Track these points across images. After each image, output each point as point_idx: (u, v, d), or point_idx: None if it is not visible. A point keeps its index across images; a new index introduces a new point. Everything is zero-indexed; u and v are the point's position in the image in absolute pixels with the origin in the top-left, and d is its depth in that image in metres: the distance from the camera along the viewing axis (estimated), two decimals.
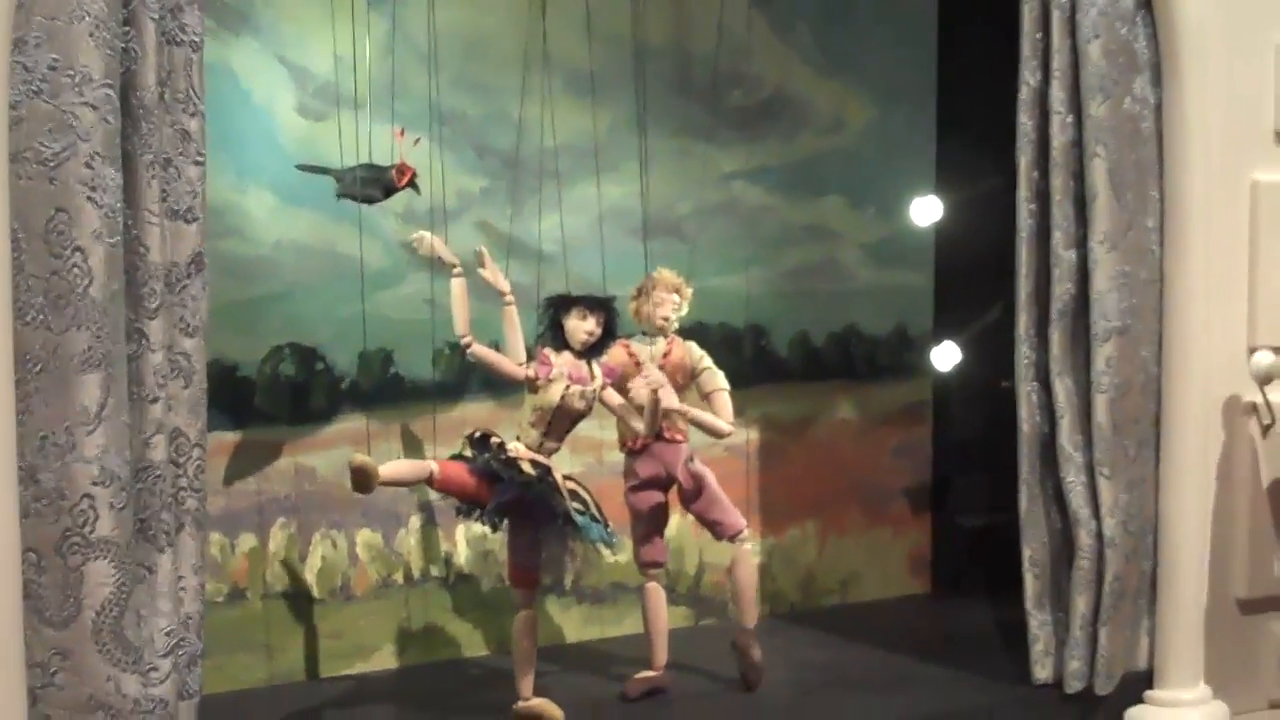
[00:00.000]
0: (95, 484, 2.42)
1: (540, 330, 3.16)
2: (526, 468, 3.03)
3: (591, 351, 3.15)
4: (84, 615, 2.44)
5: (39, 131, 2.36)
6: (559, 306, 3.14)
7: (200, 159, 2.55)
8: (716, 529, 3.29)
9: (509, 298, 3.07)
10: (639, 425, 3.22)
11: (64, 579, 2.43)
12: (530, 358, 3.09)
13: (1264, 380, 3.25)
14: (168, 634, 2.56)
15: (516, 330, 3.09)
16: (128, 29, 2.44)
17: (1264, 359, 3.22)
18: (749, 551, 3.31)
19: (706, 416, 3.24)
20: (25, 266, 2.37)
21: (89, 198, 2.38)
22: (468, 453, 3.10)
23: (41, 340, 2.39)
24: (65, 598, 2.43)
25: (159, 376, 2.53)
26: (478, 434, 3.12)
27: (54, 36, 2.35)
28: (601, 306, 3.14)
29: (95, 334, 2.40)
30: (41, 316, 2.38)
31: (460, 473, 3.04)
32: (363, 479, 2.88)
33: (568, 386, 3.07)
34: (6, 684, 2.39)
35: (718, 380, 3.29)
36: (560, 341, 3.12)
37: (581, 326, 3.11)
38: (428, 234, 3.12)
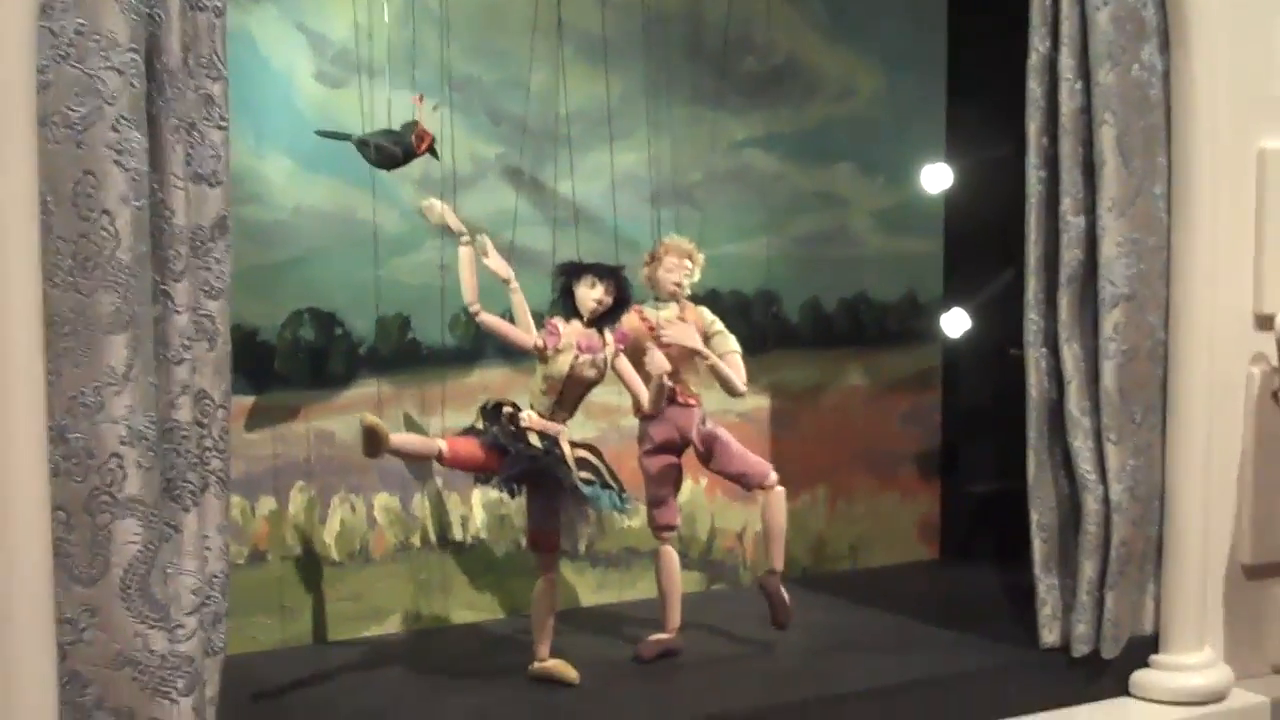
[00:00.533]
0: (123, 443, 2.46)
1: (553, 298, 3.21)
2: (534, 440, 3.07)
3: (604, 319, 3.18)
4: (112, 573, 2.48)
5: (66, 95, 2.39)
6: (569, 274, 3.18)
7: (224, 123, 2.58)
8: (743, 481, 3.33)
9: (514, 284, 3.12)
10: (644, 398, 3.26)
11: (92, 537, 2.47)
12: (540, 327, 3.14)
13: None
14: (194, 592, 2.61)
15: (526, 313, 3.14)
16: None
17: None
18: (780, 494, 3.32)
19: (726, 369, 3.27)
20: (54, 229, 2.41)
21: (116, 161, 2.42)
22: (480, 424, 3.14)
23: (70, 302, 2.42)
24: (94, 555, 2.47)
25: (184, 338, 2.57)
26: (490, 404, 3.17)
27: (80, 2, 2.38)
28: (611, 275, 3.17)
29: (123, 296, 2.44)
30: (70, 279, 2.42)
31: (470, 448, 3.08)
32: (373, 440, 2.92)
33: (577, 356, 3.11)
34: (37, 639, 2.44)
35: (729, 343, 3.32)
36: (571, 309, 3.16)
37: (590, 295, 3.14)
38: (438, 202, 3.16)
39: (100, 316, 2.44)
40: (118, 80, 2.42)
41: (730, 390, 3.32)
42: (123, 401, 2.47)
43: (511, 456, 3.05)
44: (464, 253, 3.11)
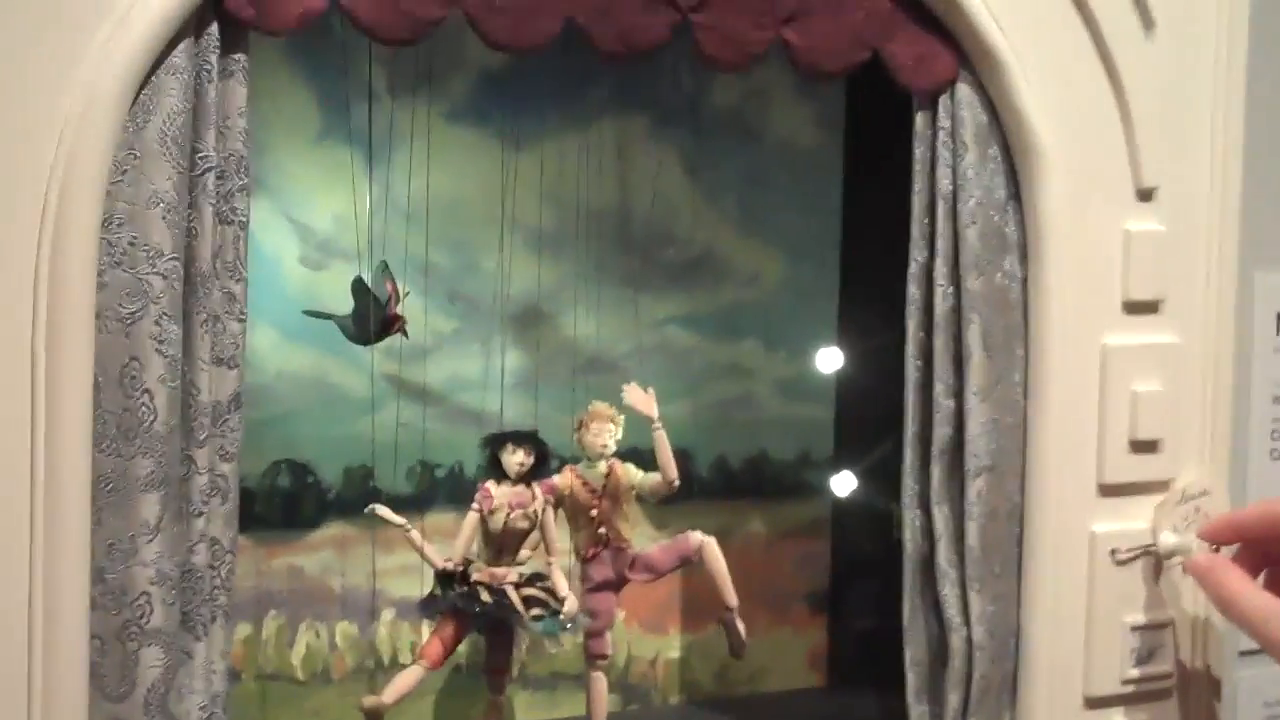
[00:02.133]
0: (152, 584, 2.87)
1: (480, 465, 3.59)
2: (485, 596, 3.45)
3: (529, 476, 3.56)
4: (137, 691, 2.87)
5: (119, 295, 2.82)
6: (492, 445, 3.57)
7: (243, 317, 3.01)
8: (685, 563, 3.73)
9: (656, 423, 3.58)
10: (555, 549, 3.58)
11: (122, 661, 2.86)
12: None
13: (1168, 556, 3.62)
14: (201, 708, 3.00)
15: (666, 449, 3.58)
16: (191, 212, 2.91)
17: (1169, 539, 3.58)
18: (711, 543, 3.67)
19: (667, 449, 3.66)
20: (102, 404, 2.83)
21: (157, 350, 2.84)
22: (437, 590, 3.49)
23: (112, 465, 2.84)
24: (122, 677, 2.87)
25: (203, 495, 2.99)
26: (441, 571, 3.52)
27: (134, 218, 2.82)
28: (528, 438, 3.56)
29: (157, 461, 2.87)
30: (114, 445, 2.83)
31: (441, 642, 3.45)
32: (375, 713, 3.34)
33: (509, 513, 3.52)
34: None
35: (653, 476, 3.71)
36: (500, 473, 3.54)
37: (513, 460, 3.52)
38: (378, 506, 3.51)
39: (137, 477, 2.85)
40: (161, 283, 2.85)
41: (666, 473, 3.66)
42: (153, 549, 2.88)
43: (470, 616, 3.44)
44: (415, 537, 3.51)
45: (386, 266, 3.58)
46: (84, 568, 2.83)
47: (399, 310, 3.56)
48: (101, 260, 2.83)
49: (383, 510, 3.50)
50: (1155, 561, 3.73)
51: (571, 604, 3.51)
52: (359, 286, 3.53)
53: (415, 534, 3.51)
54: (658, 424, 3.67)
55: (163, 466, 2.88)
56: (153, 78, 2.84)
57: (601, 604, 3.73)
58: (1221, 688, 3.94)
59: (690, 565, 3.78)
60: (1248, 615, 2.16)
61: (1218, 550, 2.06)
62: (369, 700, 3.33)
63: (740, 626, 3.75)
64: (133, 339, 2.85)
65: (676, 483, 3.69)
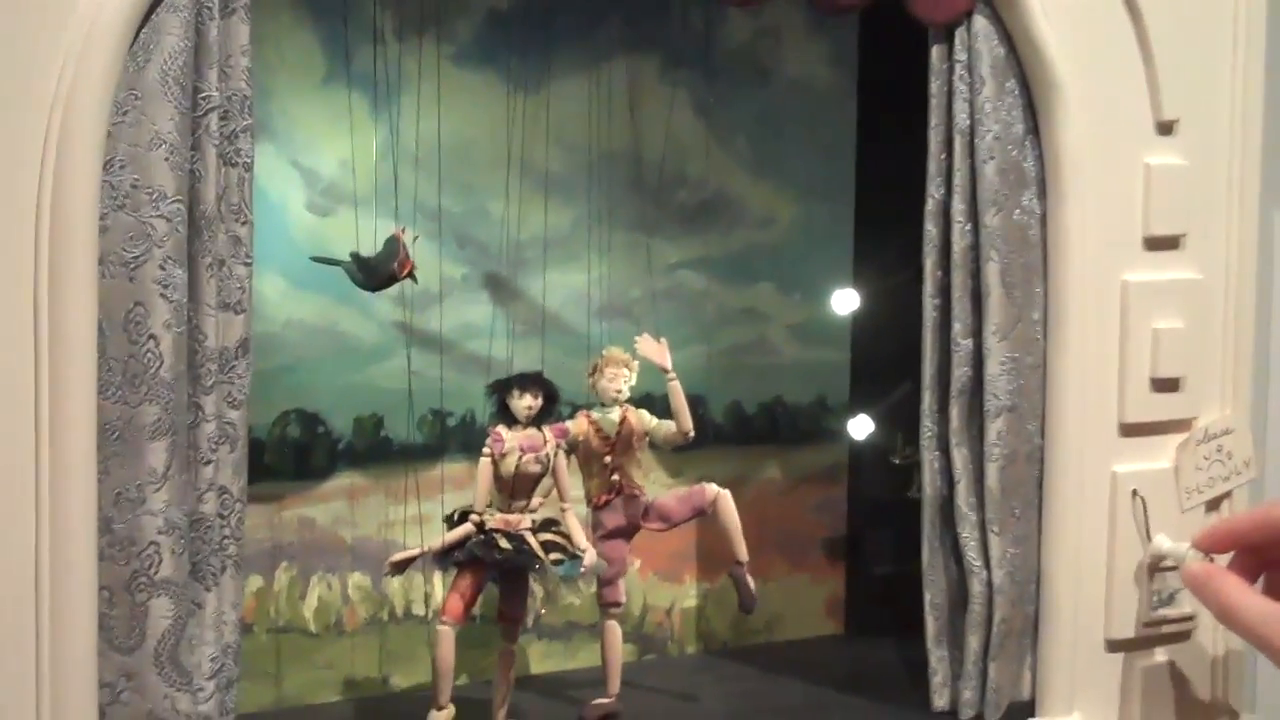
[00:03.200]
0: (160, 533, 2.85)
1: (491, 411, 3.54)
2: (503, 543, 3.40)
3: (539, 419, 3.50)
4: (147, 643, 2.86)
5: (121, 239, 2.79)
6: (499, 390, 3.51)
7: (249, 260, 2.98)
8: (699, 514, 3.69)
9: (671, 374, 3.56)
10: (568, 494, 3.53)
11: (131, 613, 2.84)
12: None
13: (1161, 558, 3.58)
14: (212, 660, 2.98)
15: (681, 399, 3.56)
16: (194, 153, 2.87)
17: (1163, 544, 3.52)
18: (726, 496, 3.63)
19: (682, 399, 3.63)
20: (107, 351, 2.80)
21: (161, 294, 2.81)
22: (449, 535, 3.43)
23: (119, 413, 2.81)
24: (132, 628, 2.85)
25: (211, 443, 2.96)
26: (456, 515, 3.48)
27: (136, 160, 2.78)
28: (534, 381, 3.50)
29: (164, 408, 2.83)
30: (120, 393, 2.80)
31: (461, 597, 3.38)
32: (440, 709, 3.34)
33: (520, 456, 3.49)
34: (81, 701, 2.81)
35: (668, 423, 3.66)
36: (510, 418, 3.49)
37: (521, 403, 3.46)
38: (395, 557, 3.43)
39: (143, 425, 2.83)
40: (165, 226, 2.82)
41: (681, 423, 3.63)
42: (161, 497, 2.86)
43: (489, 564, 3.38)
44: (484, 463, 3.44)
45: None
46: (91, 518, 2.80)
47: (409, 256, 3.50)
48: (104, 203, 2.78)
49: (400, 557, 3.45)
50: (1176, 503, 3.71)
51: (591, 555, 3.48)
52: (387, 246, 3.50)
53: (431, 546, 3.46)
54: (672, 374, 3.64)
55: (169, 414, 2.84)
56: (153, 16, 2.79)
57: (614, 551, 3.69)
58: None
59: (704, 517, 3.74)
60: (1248, 623, 2.11)
61: (1212, 559, 2.02)
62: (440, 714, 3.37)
63: (750, 582, 3.72)
64: (137, 284, 2.81)
65: (691, 433, 3.66)
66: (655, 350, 3.65)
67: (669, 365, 3.63)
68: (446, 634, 3.38)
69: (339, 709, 3.77)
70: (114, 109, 2.77)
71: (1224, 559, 2.06)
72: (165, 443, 2.84)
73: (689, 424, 3.65)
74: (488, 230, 3.89)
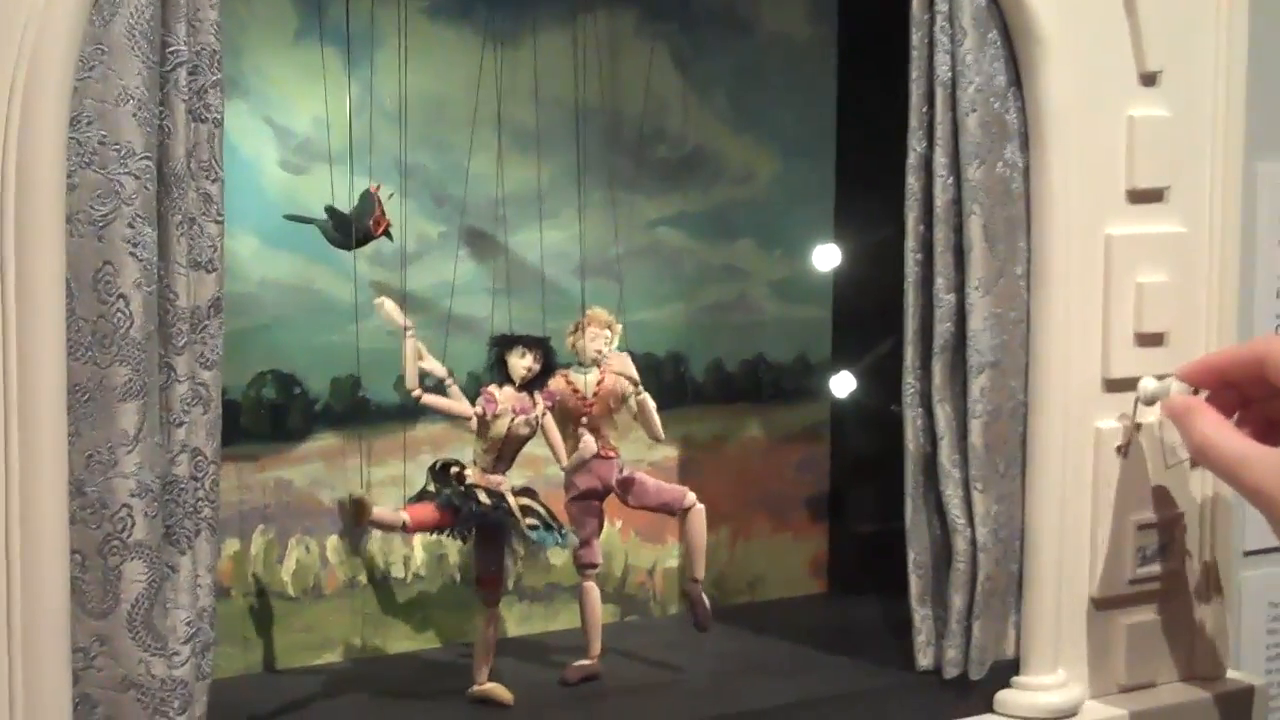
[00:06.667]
0: (133, 496, 2.78)
1: (488, 365, 3.48)
2: (483, 498, 3.36)
3: (532, 384, 3.44)
4: (120, 607, 2.79)
5: (89, 197, 2.71)
6: (502, 345, 3.45)
7: (220, 218, 2.91)
8: (666, 509, 3.65)
9: (410, 331, 3.38)
10: (563, 456, 3.53)
11: (104, 576, 2.78)
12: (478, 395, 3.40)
13: (1149, 401, 3.51)
14: (188, 624, 2.92)
15: (417, 359, 3.38)
16: (162, 109, 2.79)
17: (1149, 383, 3.48)
18: (699, 512, 3.60)
19: (653, 411, 3.60)
20: (76, 311, 2.73)
21: (131, 253, 2.74)
22: (431, 486, 3.40)
23: (89, 374, 2.75)
24: (105, 592, 2.78)
25: (184, 404, 2.90)
26: (438, 464, 3.44)
27: (103, 116, 2.71)
28: (539, 344, 3.45)
29: (134, 368, 2.77)
30: (90, 353, 2.74)
31: (427, 513, 3.34)
32: (361, 511, 3.21)
33: (513, 418, 3.45)
34: (54, 666, 2.74)
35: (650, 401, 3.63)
36: (504, 377, 3.44)
37: (521, 363, 3.41)
38: (386, 300, 3.41)
39: (114, 386, 2.76)
40: (134, 184, 2.74)
41: (652, 432, 3.62)
42: (133, 460, 2.79)
43: (464, 515, 3.34)
44: (409, 345, 3.38)
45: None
46: (62, 481, 2.73)
47: (384, 213, 3.45)
48: (70, 160, 2.71)
49: (390, 306, 3.39)
50: (1158, 452, 3.67)
51: (573, 538, 3.48)
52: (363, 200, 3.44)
53: (416, 344, 3.39)
54: (640, 390, 3.61)
55: (140, 374, 2.79)
56: None
57: (587, 512, 3.65)
58: (1227, 587, 3.89)
59: (671, 515, 3.69)
60: (1223, 459, 2.09)
61: (1196, 393, 2.00)
62: (359, 491, 3.22)
63: (705, 600, 3.68)
64: (105, 242, 2.74)
65: (661, 439, 3.67)
66: (620, 363, 3.61)
67: (637, 378, 3.61)
68: (398, 515, 3.31)
69: (318, 672, 3.72)
70: (80, 64, 2.69)
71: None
72: (137, 404, 2.78)
73: (660, 432, 3.64)
74: (465, 186, 3.81)
